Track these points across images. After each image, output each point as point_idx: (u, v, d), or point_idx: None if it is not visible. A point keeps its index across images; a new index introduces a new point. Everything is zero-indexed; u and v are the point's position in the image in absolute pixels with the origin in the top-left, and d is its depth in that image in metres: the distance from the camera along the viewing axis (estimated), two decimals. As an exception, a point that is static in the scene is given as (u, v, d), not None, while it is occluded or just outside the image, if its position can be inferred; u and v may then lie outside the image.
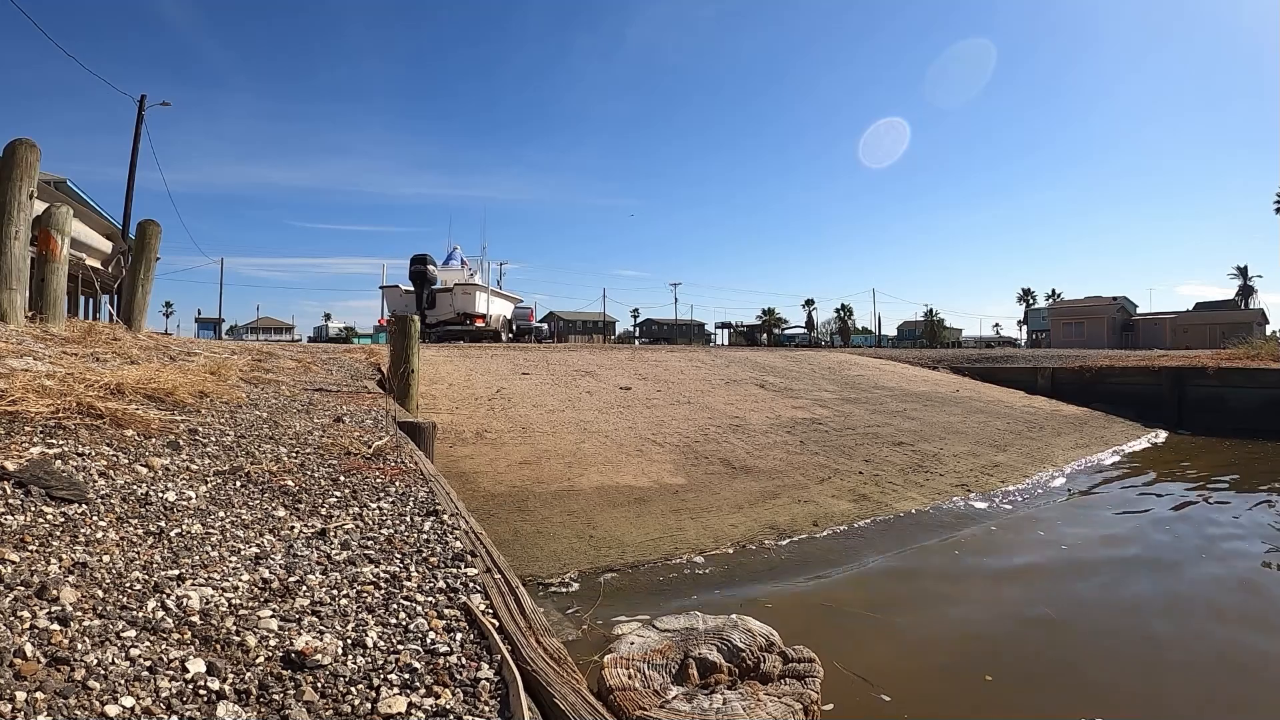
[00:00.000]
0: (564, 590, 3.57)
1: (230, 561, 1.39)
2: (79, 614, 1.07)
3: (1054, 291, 63.31)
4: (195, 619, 1.13)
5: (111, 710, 0.87)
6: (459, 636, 1.20)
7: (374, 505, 1.93)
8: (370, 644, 1.14)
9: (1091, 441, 9.03)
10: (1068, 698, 2.61)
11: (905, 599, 3.70)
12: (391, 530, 1.73)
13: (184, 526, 1.52)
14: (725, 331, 55.92)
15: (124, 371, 2.88)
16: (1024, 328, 61.69)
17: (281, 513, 1.76)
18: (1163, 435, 10.38)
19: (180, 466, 1.97)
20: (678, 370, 10.83)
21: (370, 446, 2.66)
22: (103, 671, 0.94)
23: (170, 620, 1.11)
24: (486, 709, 1.00)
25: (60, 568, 1.20)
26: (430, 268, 17.54)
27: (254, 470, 2.08)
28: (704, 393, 9.09)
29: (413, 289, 17.45)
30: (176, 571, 1.29)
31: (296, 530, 1.64)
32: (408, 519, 1.84)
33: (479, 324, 18.12)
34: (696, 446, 6.37)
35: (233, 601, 1.21)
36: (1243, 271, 58.75)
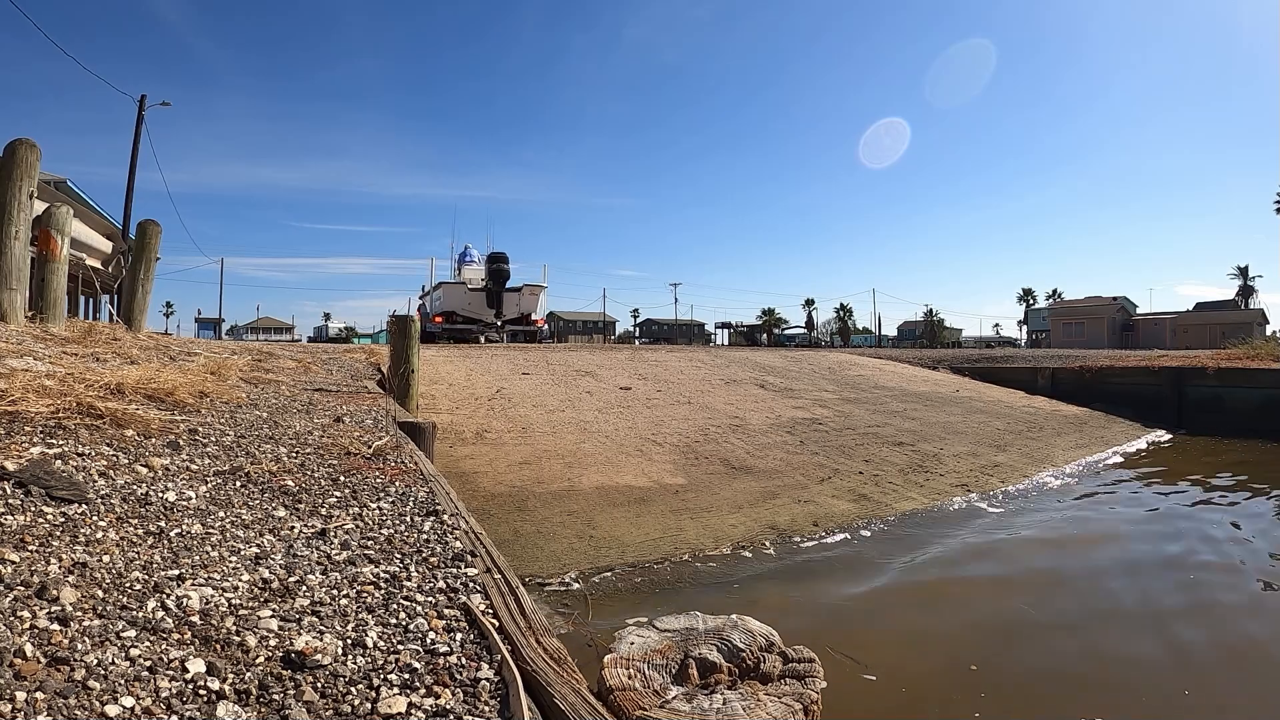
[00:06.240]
0: (564, 590, 3.57)
1: (230, 561, 1.39)
2: (79, 614, 1.07)
3: (1054, 291, 63.33)
4: (195, 619, 1.13)
5: (111, 710, 0.87)
6: (459, 636, 1.20)
7: (374, 505, 1.93)
8: (370, 644, 1.14)
9: (1091, 442, 9.02)
10: (1044, 685, 2.82)
11: (903, 597, 3.71)
12: (391, 530, 1.73)
13: (184, 526, 1.52)
14: (725, 331, 55.88)
15: (124, 371, 2.88)
16: (1024, 328, 61.69)
17: (281, 513, 1.76)
18: (1163, 435, 10.37)
19: (180, 466, 1.97)
20: (678, 370, 10.83)
21: (370, 446, 2.66)
22: (103, 671, 0.94)
23: (170, 620, 1.11)
24: (486, 709, 1.00)
25: (60, 568, 1.20)
26: (507, 266, 15.77)
27: (254, 470, 2.08)
28: (704, 393, 9.09)
29: (482, 287, 15.71)
30: (176, 571, 1.29)
31: (296, 530, 1.64)
32: (408, 519, 1.84)
33: (539, 325, 16.96)
34: (696, 446, 6.37)
35: (233, 601, 1.21)
36: (1243, 271, 58.78)
